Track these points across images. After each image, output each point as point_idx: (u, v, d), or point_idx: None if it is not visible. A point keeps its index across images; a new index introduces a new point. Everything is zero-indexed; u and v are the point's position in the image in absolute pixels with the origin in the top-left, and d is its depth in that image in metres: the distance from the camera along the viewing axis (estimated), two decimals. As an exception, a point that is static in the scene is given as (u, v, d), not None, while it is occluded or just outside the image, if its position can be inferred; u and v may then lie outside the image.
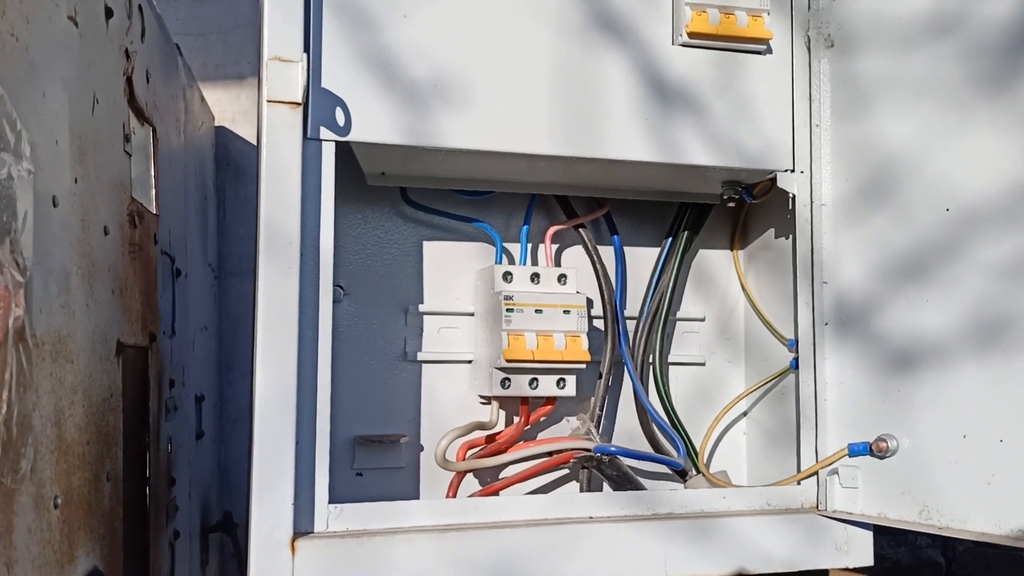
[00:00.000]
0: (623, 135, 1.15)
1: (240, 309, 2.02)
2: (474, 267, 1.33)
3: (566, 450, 1.27)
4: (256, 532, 0.96)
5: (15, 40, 0.76)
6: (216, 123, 2.07)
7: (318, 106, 1.02)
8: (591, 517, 1.11)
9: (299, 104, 0.98)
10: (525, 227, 1.32)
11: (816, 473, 1.19)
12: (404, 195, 1.30)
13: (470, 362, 1.32)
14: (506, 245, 1.35)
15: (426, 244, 1.33)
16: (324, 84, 1.03)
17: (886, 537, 1.85)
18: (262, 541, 0.96)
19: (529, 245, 1.34)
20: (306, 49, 1.01)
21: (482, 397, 1.31)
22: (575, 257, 1.38)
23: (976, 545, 1.82)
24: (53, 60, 0.86)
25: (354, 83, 1.04)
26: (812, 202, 1.21)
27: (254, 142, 2.13)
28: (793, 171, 1.22)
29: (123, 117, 1.14)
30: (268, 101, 0.97)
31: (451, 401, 1.32)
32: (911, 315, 1.09)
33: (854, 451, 1.13)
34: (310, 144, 1.01)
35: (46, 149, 0.83)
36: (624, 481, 1.25)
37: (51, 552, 0.84)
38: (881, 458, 1.11)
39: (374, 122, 1.05)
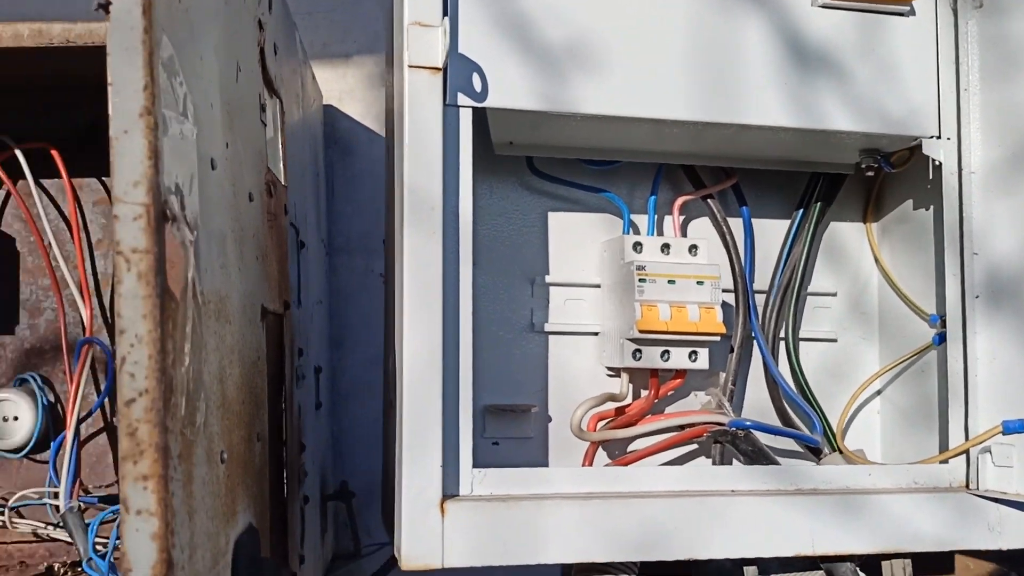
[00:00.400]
0: (762, 100, 1.12)
1: (349, 285, 2.06)
2: (599, 238, 1.32)
3: (699, 424, 1.24)
4: (407, 494, 0.97)
5: (178, 0, 0.78)
6: (324, 102, 2.11)
7: (456, 72, 1.02)
8: (733, 491, 1.09)
9: (440, 69, 0.98)
10: (652, 197, 1.30)
11: (966, 452, 1.13)
12: (530, 165, 1.29)
13: (596, 334, 1.31)
14: (631, 217, 1.33)
15: (551, 215, 1.32)
16: (461, 50, 1.03)
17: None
18: (413, 502, 0.97)
19: (655, 216, 1.32)
20: (445, 14, 1.01)
21: (610, 369, 1.30)
22: (701, 229, 1.36)
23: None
24: (207, 24, 0.88)
25: (490, 48, 1.04)
26: (960, 170, 1.16)
27: (361, 120, 2.17)
28: (939, 137, 1.16)
29: (259, 87, 1.17)
30: (409, 67, 0.98)
31: (577, 373, 1.31)
32: (1079, 285, 1.03)
33: (1009, 428, 1.07)
34: (448, 111, 1.01)
35: (204, 112, 0.85)
36: (759, 457, 1.22)
37: (220, 505, 0.86)
38: (1042, 435, 1.05)
39: (510, 88, 1.04)
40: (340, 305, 2.07)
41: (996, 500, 1.11)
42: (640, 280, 1.18)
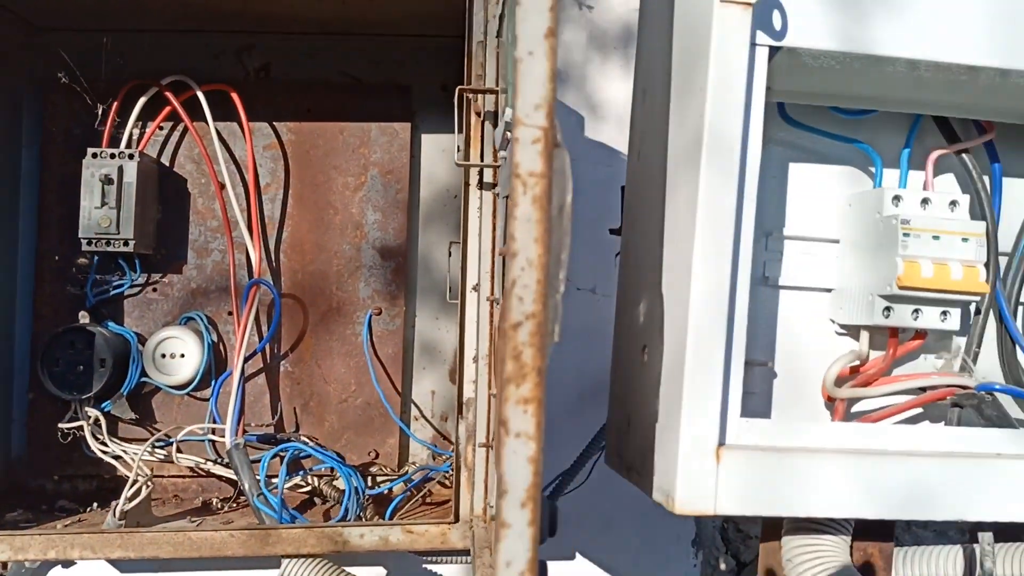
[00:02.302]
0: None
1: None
2: (839, 192, 1.27)
3: (942, 386, 1.20)
4: (684, 439, 0.96)
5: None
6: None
7: (759, 8, 0.98)
8: (999, 454, 1.05)
9: (750, 4, 0.95)
10: (906, 150, 1.25)
11: None
12: (782, 111, 1.25)
13: (829, 291, 1.28)
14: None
15: (792, 166, 1.28)
16: (763, -14, 0.99)
17: None
18: (691, 448, 0.96)
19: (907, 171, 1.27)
20: (752, -52, 0.97)
21: (842, 327, 1.27)
22: (947, 184, 1.30)
23: None
24: None
25: (789, -16, 1.00)
26: None
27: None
28: None
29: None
30: (721, 1, 0.95)
31: (806, 329, 1.28)
32: None
33: None
34: (751, 50, 0.98)
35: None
36: (1005, 423, 1.18)
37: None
38: None
39: (808, 26, 1.00)
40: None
41: None
42: (904, 234, 1.14)
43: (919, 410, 1.29)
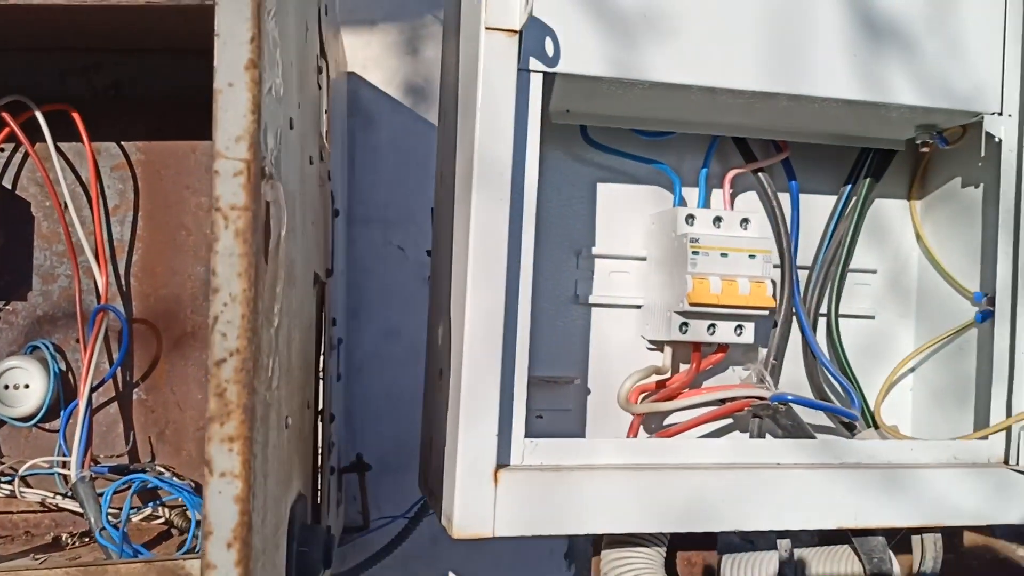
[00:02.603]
0: (829, 72, 1.10)
1: (367, 256, 2.04)
2: (646, 211, 1.31)
3: (740, 397, 1.24)
4: (462, 462, 0.97)
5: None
6: (348, 69, 2.08)
7: (529, 36, 1.00)
8: (779, 464, 1.09)
9: (516, 32, 0.97)
10: (704, 169, 1.29)
11: (1008, 428, 1.14)
12: (585, 134, 1.27)
13: (639, 307, 1.31)
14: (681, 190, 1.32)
15: (600, 186, 1.31)
16: (536, 13, 1.00)
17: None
18: (467, 470, 0.97)
19: (706, 189, 1.31)
20: (522, -24, 0.99)
21: (651, 343, 1.30)
22: (748, 203, 1.35)
23: None
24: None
25: (563, 12, 1.02)
26: (1021, 147, 1.15)
27: (385, 89, 2.14)
28: (1000, 114, 1.16)
29: (316, 48, 1.14)
30: (486, 28, 0.96)
31: (619, 346, 1.31)
32: None
33: (1059, 408, 1.09)
34: (520, 75, 1.00)
35: (287, 71, 0.83)
36: (799, 431, 1.23)
37: (283, 471, 0.86)
38: (1093, 416, 1.06)
39: (581, 53, 1.03)
40: (357, 277, 2.05)
41: (1040, 478, 1.12)
42: (693, 252, 1.17)
43: (729, 420, 1.34)
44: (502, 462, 1.00)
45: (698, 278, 1.17)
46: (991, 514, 1.12)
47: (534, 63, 1.00)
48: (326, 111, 1.33)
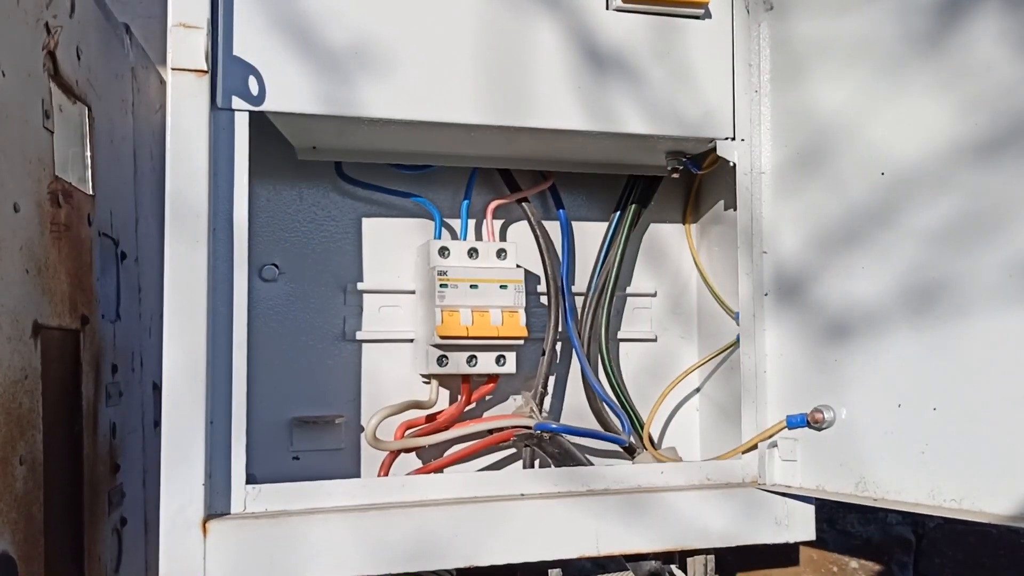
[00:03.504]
0: (555, 103, 1.12)
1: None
2: (415, 244, 1.30)
3: (506, 428, 1.24)
4: (165, 512, 0.93)
5: None
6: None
7: (229, 74, 0.99)
8: (522, 494, 1.08)
9: (205, 72, 0.95)
10: (466, 202, 1.29)
11: (756, 446, 1.16)
12: (339, 170, 1.27)
13: (412, 341, 1.30)
14: (449, 221, 1.32)
15: (365, 221, 1.30)
16: (236, 51, 1.00)
17: (856, 515, 1.82)
18: (171, 521, 0.94)
19: (472, 221, 1.31)
20: (214, 15, 0.98)
21: (423, 376, 1.29)
22: (521, 232, 1.35)
23: (946, 522, 1.78)
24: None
25: (268, 50, 1.01)
26: (752, 170, 1.18)
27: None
28: (734, 139, 1.18)
29: (43, 92, 1.12)
30: (173, 69, 0.95)
31: (393, 381, 1.29)
32: (846, 284, 1.05)
33: (792, 423, 1.10)
34: (221, 114, 0.98)
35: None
36: (566, 459, 1.22)
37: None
38: (818, 430, 1.08)
39: (290, 91, 1.02)
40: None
41: (782, 494, 1.13)
42: (441, 285, 1.17)
43: (512, 450, 1.33)
44: (217, 511, 0.97)
45: (448, 311, 1.17)
46: (740, 534, 1.13)
47: (237, 102, 0.99)
48: (90, 153, 1.30)
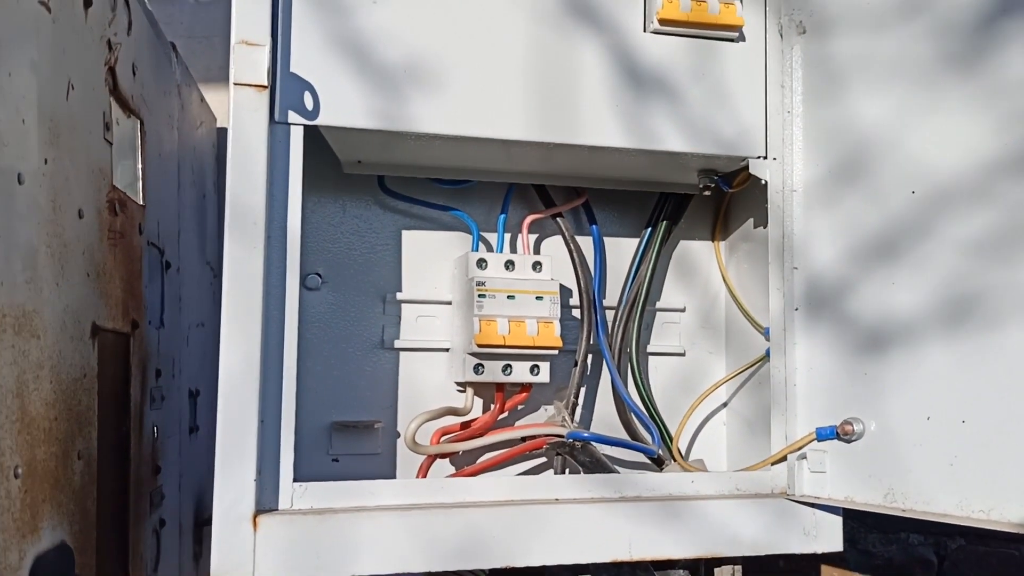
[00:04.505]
0: (596, 121, 1.16)
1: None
2: (453, 256, 1.35)
3: (538, 436, 1.27)
4: (219, 506, 0.97)
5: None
6: (219, 124, 2.10)
7: (286, 90, 1.04)
8: (557, 499, 1.11)
9: (265, 87, 1.00)
10: (502, 216, 1.34)
11: (786, 458, 1.18)
12: (381, 184, 1.31)
13: (447, 350, 1.34)
14: (486, 235, 1.36)
15: (405, 233, 1.35)
16: (293, 68, 1.05)
17: (877, 535, 1.83)
18: (224, 515, 0.97)
19: (507, 235, 1.36)
20: (274, 33, 1.03)
21: (458, 384, 1.32)
22: (555, 247, 1.39)
23: (968, 543, 1.79)
24: (21, 41, 0.88)
25: (324, 67, 1.06)
26: (784, 188, 1.22)
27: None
28: (766, 158, 1.22)
29: (103, 106, 1.17)
30: (235, 84, 1.00)
31: (429, 389, 1.33)
32: (880, 297, 1.08)
33: (821, 435, 1.13)
34: (278, 128, 1.03)
35: (11, 127, 0.85)
36: (597, 467, 1.25)
37: (10, 519, 0.85)
38: (848, 441, 1.10)
39: (344, 106, 1.07)
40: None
41: (811, 505, 1.16)
42: (480, 295, 1.21)
43: (543, 459, 1.36)
44: (266, 507, 1.00)
45: (485, 320, 1.21)
46: (769, 543, 1.15)
47: (293, 116, 1.04)
48: (142, 165, 1.36)
